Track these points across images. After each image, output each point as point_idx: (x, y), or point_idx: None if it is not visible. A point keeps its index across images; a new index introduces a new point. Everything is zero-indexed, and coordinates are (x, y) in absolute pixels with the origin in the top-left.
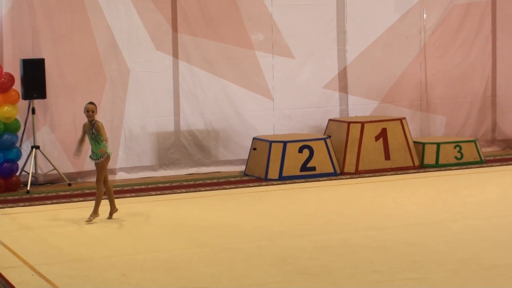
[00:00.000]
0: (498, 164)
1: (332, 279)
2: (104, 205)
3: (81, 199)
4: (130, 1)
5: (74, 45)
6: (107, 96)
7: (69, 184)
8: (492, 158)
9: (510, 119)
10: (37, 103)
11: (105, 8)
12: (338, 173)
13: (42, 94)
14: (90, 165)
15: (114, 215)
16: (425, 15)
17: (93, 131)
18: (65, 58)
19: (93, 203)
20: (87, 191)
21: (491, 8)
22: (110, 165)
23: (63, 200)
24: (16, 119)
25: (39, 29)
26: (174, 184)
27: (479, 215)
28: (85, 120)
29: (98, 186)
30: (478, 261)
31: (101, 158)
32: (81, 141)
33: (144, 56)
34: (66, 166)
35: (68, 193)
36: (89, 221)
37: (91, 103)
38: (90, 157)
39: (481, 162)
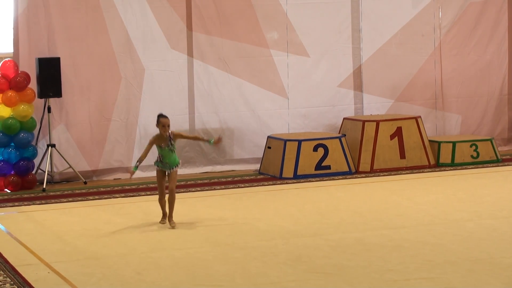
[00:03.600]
0: None
1: (346, 278)
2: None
3: (96, 197)
4: (145, 0)
5: (89, 43)
6: (122, 94)
7: (85, 182)
8: (508, 157)
9: None
10: (52, 101)
11: (120, 7)
12: (353, 172)
13: (57, 93)
14: (105, 163)
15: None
16: (440, 13)
17: (171, 142)
18: (80, 56)
19: (108, 201)
20: (102, 189)
21: (507, 5)
22: (124, 163)
23: (78, 198)
24: (32, 118)
25: (55, 28)
26: (189, 182)
27: (495, 214)
28: (99, 120)
29: (174, 192)
30: (494, 260)
31: (176, 167)
32: (145, 156)
33: (159, 55)
34: (81, 164)
35: (83, 191)
36: (163, 222)
37: (166, 116)
38: (156, 165)
39: (498, 161)
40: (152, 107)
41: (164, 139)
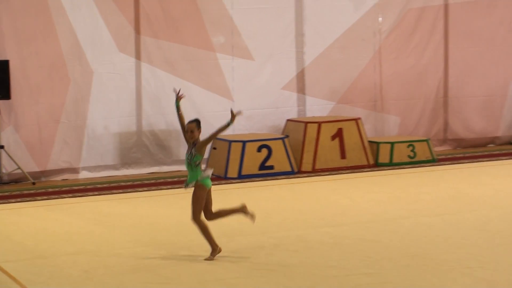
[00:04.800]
0: (449, 162)
1: (289, 275)
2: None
3: (45, 197)
4: (94, 4)
5: (39, 46)
6: (71, 96)
7: (33, 183)
8: (443, 157)
9: (461, 120)
10: (1, 103)
11: (69, 11)
12: (295, 172)
13: (6, 95)
14: (53, 164)
15: None
16: (380, 18)
17: (192, 151)
18: (29, 59)
19: (56, 201)
20: (50, 189)
21: (443, 12)
22: (72, 164)
23: (27, 199)
24: None
25: (4, 31)
26: (136, 182)
27: (431, 212)
28: (47, 120)
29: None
30: (430, 256)
31: (190, 184)
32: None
33: (107, 58)
34: (30, 165)
35: (32, 191)
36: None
37: (193, 121)
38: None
39: (433, 161)
40: (100, 109)
41: (189, 145)
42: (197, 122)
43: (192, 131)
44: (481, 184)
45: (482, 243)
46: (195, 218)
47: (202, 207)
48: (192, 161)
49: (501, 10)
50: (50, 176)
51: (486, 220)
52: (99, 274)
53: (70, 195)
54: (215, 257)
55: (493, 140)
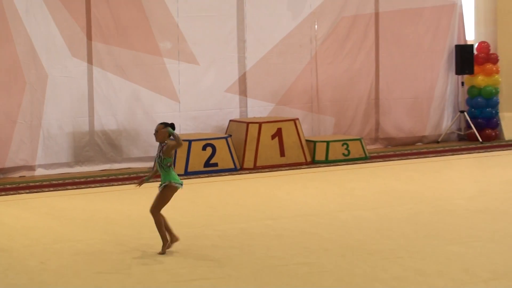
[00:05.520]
0: (381, 160)
1: (232, 264)
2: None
3: (3, 193)
4: (48, 11)
5: None
6: (27, 98)
7: None
8: (375, 154)
9: (391, 120)
10: None
11: (24, 19)
12: (238, 169)
13: None
14: (11, 162)
15: None
16: (316, 26)
17: (160, 154)
18: None
19: (13, 197)
20: (8, 186)
21: (374, 20)
22: (29, 162)
23: None
24: None
25: None
26: (89, 179)
27: (364, 206)
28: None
29: (152, 214)
30: (363, 247)
31: (162, 186)
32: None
33: (61, 62)
34: None
35: None
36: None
37: (161, 124)
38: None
39: (366, 158)
40: (54, 111)
41: (158, 147)
42: (165, 124)
43: (157, 131)
44: (410, 180)
45: (411, 234)
46: (155, 212)
47: (164, 205)
48: (163, 163)
49: (427, 19)
50: (8, 173)
51: (414, 213)
52: (54, 265)
53: (27, 191)
54: (165, 251)
55: (420, 139)
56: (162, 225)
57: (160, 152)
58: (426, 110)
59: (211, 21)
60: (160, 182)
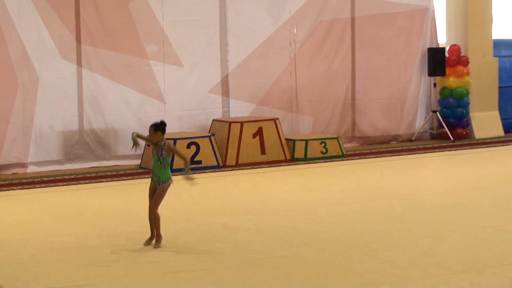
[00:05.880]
0: (357, 157)
1: (215, 257)
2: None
3: None
4: (39, 16)
5: None
6: (19, 99)
7: None
8: (352, 152)
9: (367, 119)
10: None
11: (16, 23)
12: (221, 166)
13: None
14: (4, 160)
15: None
16: (295, 29)
17: (162, 152)
18: None
19: (6, 193)
20: (1, 182)
21: (350, 24)
22: (21, 159)
23: None
24: None
25: None
26: (78, 176)
27: (341, 201)
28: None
29: (153, 211)
30: (340, 241)
31: (165, 183)
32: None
33: (51, 65)
34: None
35: None
36: (146, 244)
37: (155, 123)
38: (150, 176)
39: (343, 156)
40: (45, 111)
41: (157, 146)
42: (154, 126)
43: (150, 134)
44: (385, 177)
45: (385, 228)
46: (154, 209)
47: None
48: (165, 162)
49: (401, 23)
50: (1, 170)
51: (389, 208)
52: (46, 257)
53: (20, 187)
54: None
55: (395, 138)
56: (159, 222)
57: (161, 150)
58: (400, 110)
59: (195, 25)
60: (156, 179)
